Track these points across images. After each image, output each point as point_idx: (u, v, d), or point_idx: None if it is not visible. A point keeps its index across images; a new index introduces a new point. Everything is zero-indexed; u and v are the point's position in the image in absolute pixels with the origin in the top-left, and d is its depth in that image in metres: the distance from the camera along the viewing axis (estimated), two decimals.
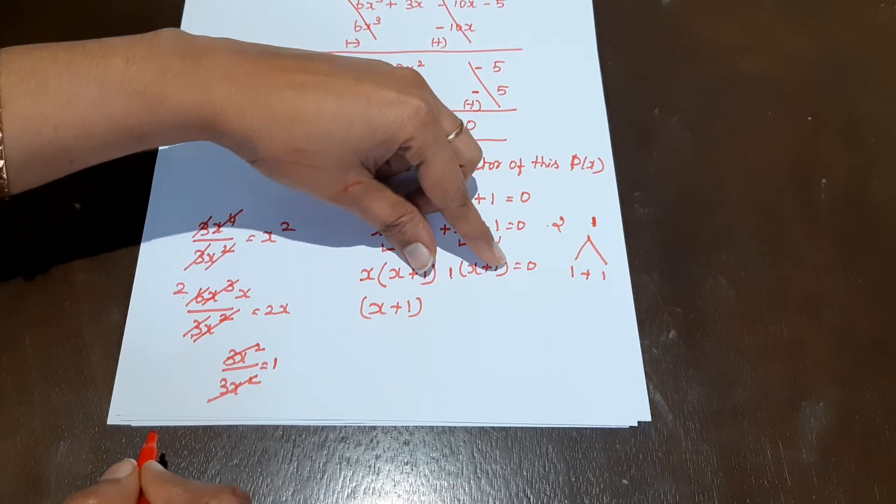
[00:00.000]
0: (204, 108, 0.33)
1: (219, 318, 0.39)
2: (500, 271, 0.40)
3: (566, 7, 0.50)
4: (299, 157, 0.34)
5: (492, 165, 0.44)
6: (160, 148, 0.44)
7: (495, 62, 0.47)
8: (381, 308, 0.39)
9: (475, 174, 0.43)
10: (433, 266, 0.40)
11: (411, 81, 0.36)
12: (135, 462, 0.31)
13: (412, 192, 0.39)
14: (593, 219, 0.42)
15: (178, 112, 0.33)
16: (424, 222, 0.39)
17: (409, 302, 0.39)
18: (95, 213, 0.42)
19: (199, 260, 0.41)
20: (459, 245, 0.41)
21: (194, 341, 0.38)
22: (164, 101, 0.32)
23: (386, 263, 0.41)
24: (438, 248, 0.41)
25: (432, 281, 0.40)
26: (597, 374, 0.38)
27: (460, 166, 0.38)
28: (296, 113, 0.33)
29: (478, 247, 0.40)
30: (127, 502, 0.29)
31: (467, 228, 0.39)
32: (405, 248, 0.39)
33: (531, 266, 0.41)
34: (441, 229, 0.42)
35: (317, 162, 0.35)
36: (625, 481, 0.36)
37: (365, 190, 0.36)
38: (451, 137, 0.37)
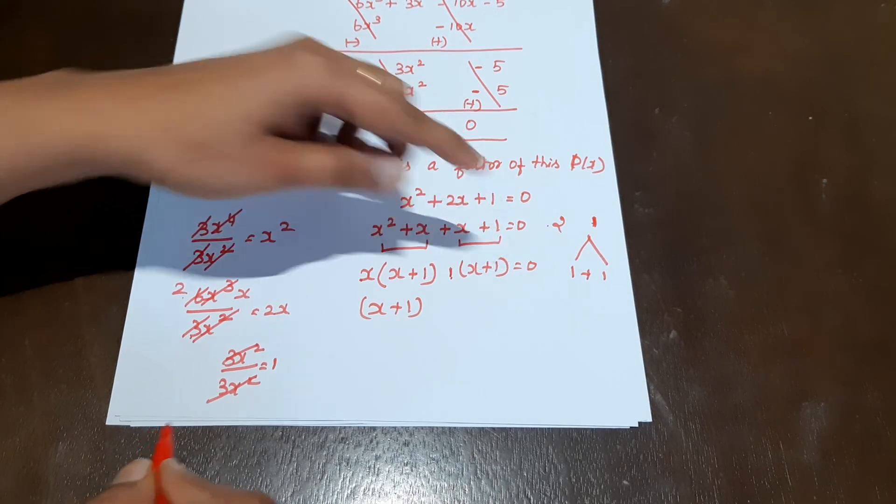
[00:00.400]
0: (80, 127, 0.30)
1: (218, 319, 0.39)
2: (499, 271, 0.40)
3: (566, 7, 0.50)
4: (202, 151, 0.31)
5: (492, 165, 0.44)
6: None
7: (495, 62, 0.47)
8: (380, 308, 0.39)
9: (475, 174, 0.43)
10: (404, 176, 0.36)
11: (296, 43, 0.33)
12: (149, 462, 0.29)
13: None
14: (593, 219, 0.42)
15: (52, 137, 0.30)
16: (368, 148, 0.36)
17: (408, 302, 0.39)
18: (95, 213, 0.42)
19: (199, 260, 0.40)
20: (459, 245, 0.41)
21: (193, 341, 0.38)
22: (36, 126, 0.30)
23: (386, 263, 0.40)
24: (438, 248, 0.41)
25: (432, 281, 0.40)
26: (597, 374, 0.37)
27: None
28: (183, 108, 0.31)
29: (454, 154, 0.36)
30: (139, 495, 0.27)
31: (436, 138, 0.35)
32: (369, 178, 0.35)
33: (531, 266, 0.40)
34: (441, 229, 0.41)
35: (222, 148, 0.32)
36: (625, 482, 0.36)
37: (288, 154, 0.33)
38: (360, 70, 0.34)
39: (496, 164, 0.44)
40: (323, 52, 0.33)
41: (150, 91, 0.32)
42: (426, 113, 0.45)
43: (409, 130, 0.34)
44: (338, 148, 0.35)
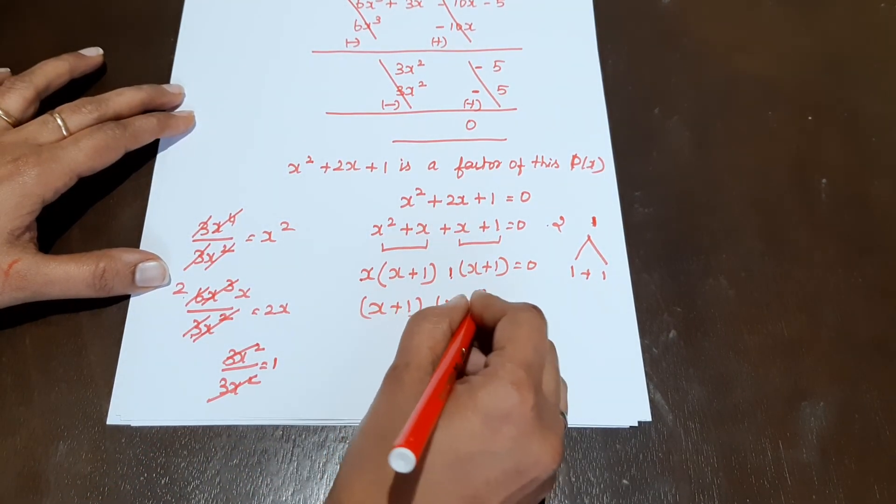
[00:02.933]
0: None
1: (218, 318, 0.39)
2: (499, 271, 0.40)
3: (566, 7, 0.50)
4: None
5: (492, 165, 0.44)
6: (159, 147, 0.44)
7: (495, 62, 0.47)
8: (381, 308, 0.39)
9: (475, 174, 0.43)
10: (169, 274, 0.40)
11: None
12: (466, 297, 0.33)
13: None
14: (593, 218, 0.42)
15: None
16: (118, 249, 0.39)
17: (409, 302, 0.39)
18: (95, 213, 0.42)
19: (199, 260, 0.40)
20: (459, 245, 0.41)
21: (194, 341, 0.38)
22: None
23: (386, 263, 0.41)
24: (438, 248, 0.41)
25: (432, 281, 0.40)
26: (597, 373, 0.38)
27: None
28: None
29: (167, 129, 0.43)
30: (453, 313, 0.31)
31: (147, 133, 0.42)
32: (133, 282, 0.38)
33: (531, 266, 0.41)
34: (441, 229, 0.42)
35: None
36: (625, 481, 0.36)
37: (32, 263, 0.36)
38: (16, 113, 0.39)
39: (496, 163, 0.44)
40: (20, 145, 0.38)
41: None
42: (428, 113, 0.46)
43: (131, 144, 0.41)
44: (88, 255, 0.37)
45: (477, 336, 0.33)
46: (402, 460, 0.23)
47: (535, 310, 0.31)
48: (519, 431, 0.27)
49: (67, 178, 0.38)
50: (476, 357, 0.31)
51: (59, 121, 0.39)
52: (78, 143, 0.38)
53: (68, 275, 0.36)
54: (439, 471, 0.26)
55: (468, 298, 0.33)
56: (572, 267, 0.40)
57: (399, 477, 0.26)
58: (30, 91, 0.40)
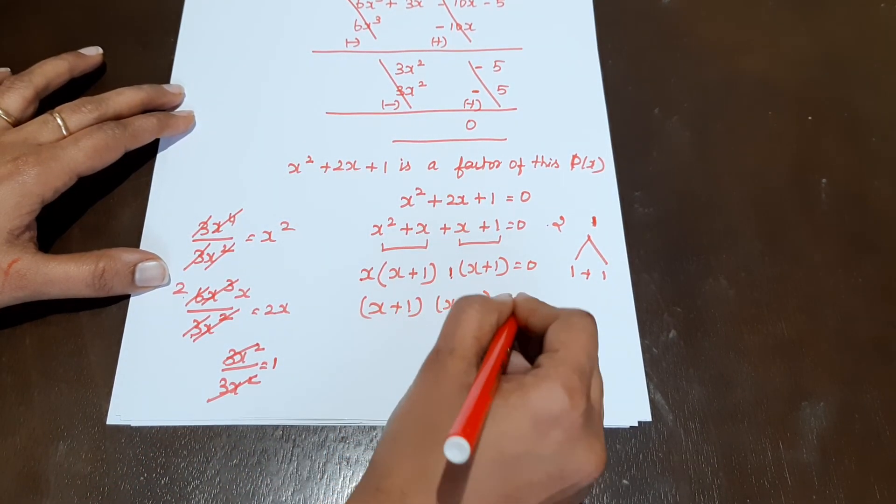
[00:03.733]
0: None
1: (218, 318, 0.39)
2: (499, 271, 0.40)
3: (566, 7, 0.50)
4: None
5: (492, 165, 0.44)
6: (159, 147, 0.44)
7: (495, 62, 0.47)
8: (381, 308, 0.39)
9: (475, 174, 0.43)
10: (168, 274, 0.40)
11: None
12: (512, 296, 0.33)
13: None
14: (593, 218, 0.42)
15: None
16: (118, 249, 0.39)
17: (409, 302, 0.39)
18: (95, 213, 0.42)
19: (199, 259, 0.40)
20: (459, 245, 0.41)
21: (194, 341, 0.38)
22: None
23: (386, 263, 0.41)
24: (438, 248, 0.41)
25: (432, 281, 0.40)
26: None
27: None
28: None
29: (167, 129, 0.43)
30: (502, 307, 0.31)
31: (147, 133, 0.42)
32: (133, 282, 0.38)
33: (531, 266, 0.41)
34: (441, 229, 0.42)
35: None
36: (625, 481, 0.36)
37: (32, 262, 0.36)
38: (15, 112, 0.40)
39: (496, 163, 0.44)
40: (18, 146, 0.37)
41: None
42: (428, 113, 0.46)
43: (131, 143, 0.41)
44: (88, 255, 0.37)
45: (517, 337, 0.32)
46: (457, 450, 0.23)
47: (590, 317, 0.30)
48: (566, 437, 0.27)
49: (67, 177, 0.38)
50: (516, 359, 0.31)
51: (59, 120, 0.39)
52: (78, 142, 0.38)
53: (68, 274, 0.36)
54: (484, 467, 0.26)
55: (513, 297, 0.33)
56: (572, 267, 0.40)
57: (445, 467, 0.26)
58: (29, 90, 0.40)
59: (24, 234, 0.36)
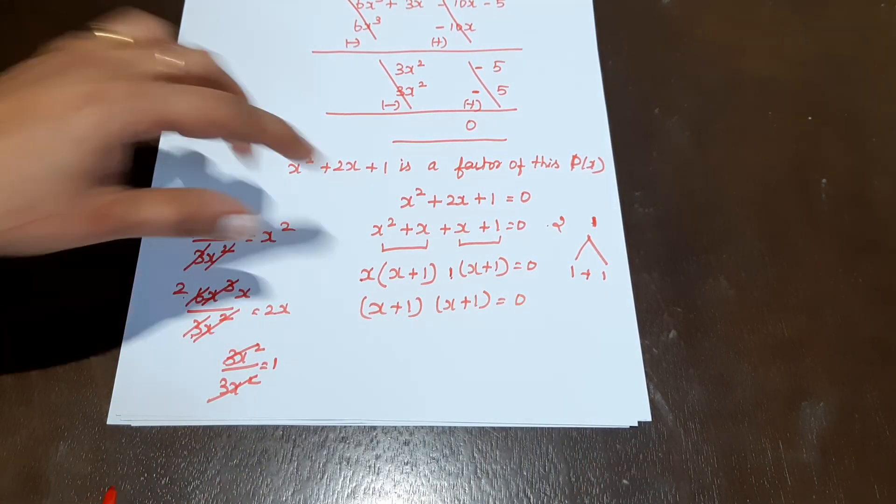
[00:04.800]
0: None
1: (219, 318, 0.39)
2: (499, 271, 0.40)
3: (566, 7, 0.50)
4: (19, 217, 0.28)
5: (492, 165, 0.44)
6: (160, 146, 0.44)
7: (495, 62, 0.47)
8: (381, 308, 0.39)
9: (475, 174, 0.43)
10: (259, 228, 0.35)
11: (69, 67, 0.30)
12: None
13: None
14: (593, 219, 0.42)
15: None
16: (211, 192, 0.32)
17: (409, 302, 0.39)
18: None
19: (199, 260, 0.41)
20: (459, 245, 0.41)
21: (194, 341, 0.38)
22: None
23: (386, 263, 0.41)
24: (438, 248, 0.41)
25: (432, 281, 0.40)
26: (597, 374, 0.38)
27: (203, 81, 0.32)
28: None
29: (292, 149, 0.35)
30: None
31: (273, 135, 0.33)
32: (216, 230, 0.32)
33: (531, 266, 0.41)
34: (441, 229, 0.42)
35: (43, 210, 0.28)
36: (625, 481, 0.36)
37: (121, 206, 0.30)
38: (160, 67, 0.31)
39: (496, 164, 0.44)
40: (117, 66, 0.30)
41: None
42: (428, 113, 0.46)
43: (246, 131, 0.33)
44: (181, 195, 0.31)
45: None
46: None
47: None
48: None
49: (151, 125, 0.30)
50: None
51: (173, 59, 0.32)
52: (188, 93, 0.30)
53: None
54: None
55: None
56: (572, 267, 0.40)
57: None
58: (176, 67, 0.32)
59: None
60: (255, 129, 0.33)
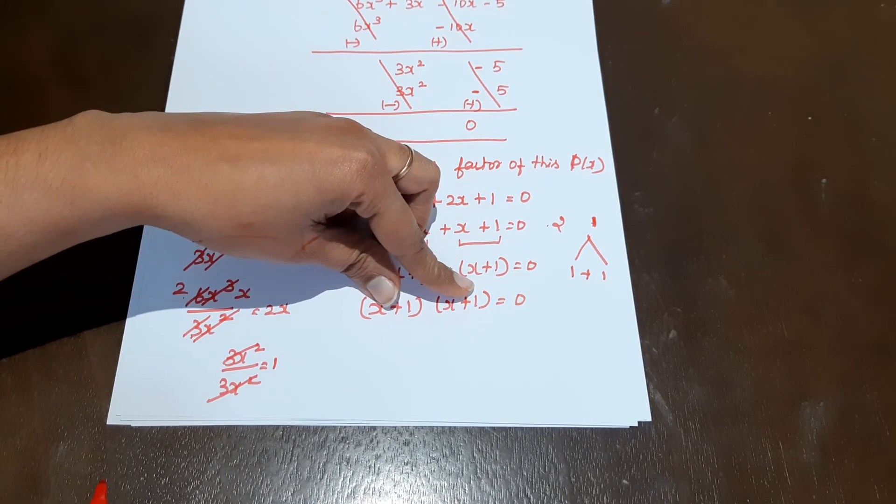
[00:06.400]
0: (132, 196, 0.30)
1: (219, 318, 0.39)
2: (499, 271, 0.40)
3: (566, 7, 0.50)
4: (248, 230, 0.33)
5: (492, 165, 0.44)
6: None
7: (495, 62, 0.47)
8: (381, 308, 0.39)
9: (475, 174, 0.43)
10: (398, 299, 0.39)
11: (350, 131, 0.34)
12: None
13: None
14: (593, 219, 0.42)
15: (103, 202, 0.30)
16: (383, 254, 0.38)
17: (408, 302, 0.39)
18: None
19: (199, 260, 0.41)
20: (459, 245, 0.41)
21: (194, 341, 0.38)
22: (85, 193, 0.30)
23: None
24: (438, 248, 0.41)
25: None
26: (597, 374, 0.38)
27: (423, 191, 0.37)
28: (236, 187, 0.31)
29: (441, 288, 0.39)
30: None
31: (425, 273, 0.38)
32: (368, 283, 0.39)
33: (531, 266, 0.41)
34: (441, 229, 0.42)
35: (268, 232, 0.33)
36: (625, 481, 0.36)
37: (321, 244, 0.36)
38: (403, 171, 0.36)
39: (496, 164, 0.44)
40: (372, 146, 0.34)
41: (201, 163, 0.31)
42: (428, 113, 0.46)
43: (408, 262, 0.37)
44: (359, 244, 0.37)
45: None
46: None
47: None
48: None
49: (342, 200, 0.34)
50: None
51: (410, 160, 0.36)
52: (406, 213, 0.36)
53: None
54: None
55: None
56: (572, 267, 0.40)
57: None
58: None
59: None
60: (414, 265, 0.38)
